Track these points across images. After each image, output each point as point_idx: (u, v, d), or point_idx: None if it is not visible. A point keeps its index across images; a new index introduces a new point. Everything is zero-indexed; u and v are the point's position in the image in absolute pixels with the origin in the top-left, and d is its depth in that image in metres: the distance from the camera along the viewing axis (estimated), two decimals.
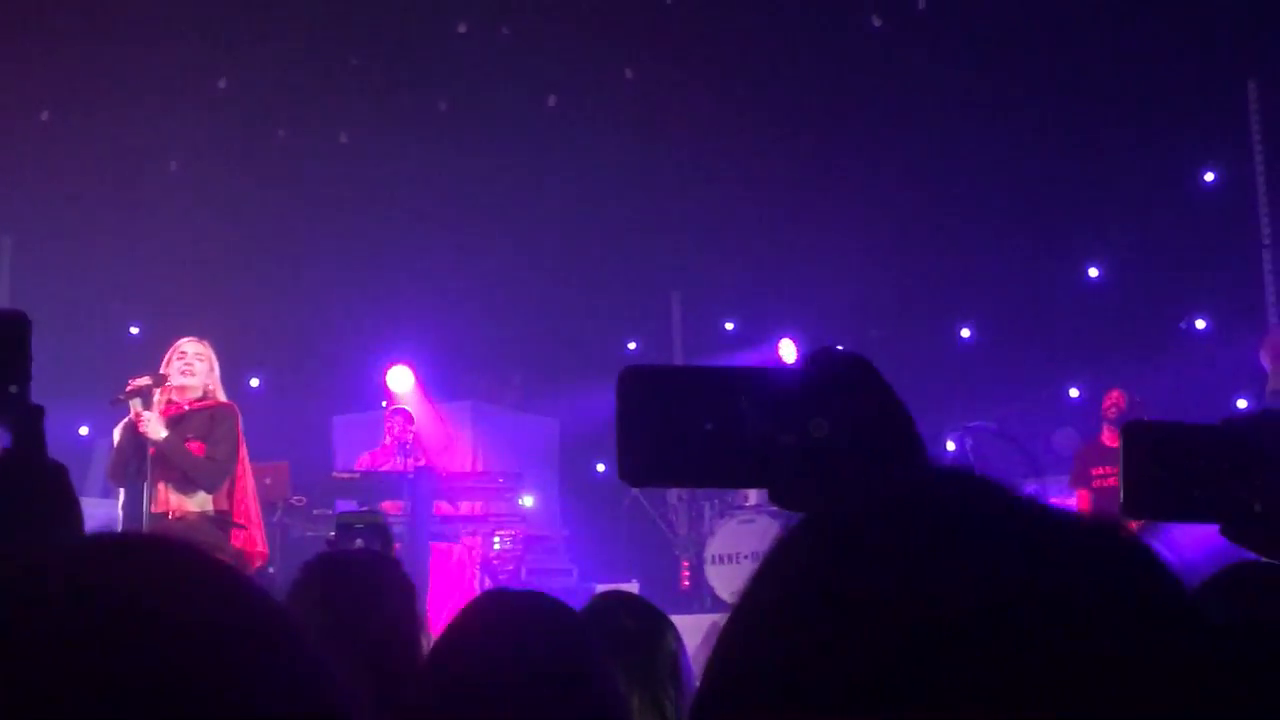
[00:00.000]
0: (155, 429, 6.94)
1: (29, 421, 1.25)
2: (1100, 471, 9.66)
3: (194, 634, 0.61)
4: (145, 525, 6.93)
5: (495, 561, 10.86)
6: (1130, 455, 1.31)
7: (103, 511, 9.23)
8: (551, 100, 12.52)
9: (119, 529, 6.97)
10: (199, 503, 6.99)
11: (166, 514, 6.98)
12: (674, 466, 1.09)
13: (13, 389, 1.22)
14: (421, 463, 10.48)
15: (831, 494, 1.04)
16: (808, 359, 1.10)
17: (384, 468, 10.47)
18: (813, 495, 1.08)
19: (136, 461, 7.05)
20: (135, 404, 7.00)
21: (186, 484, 6.99)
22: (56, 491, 1.30)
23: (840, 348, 1.11)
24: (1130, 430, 1.33)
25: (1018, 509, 0.72)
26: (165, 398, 7.15)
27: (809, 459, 1.07)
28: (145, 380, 7.18)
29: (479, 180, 12.87)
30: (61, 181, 12.23)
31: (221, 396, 7.29)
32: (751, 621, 0.72)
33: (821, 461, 1.06)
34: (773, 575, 0.74)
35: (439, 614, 9.44)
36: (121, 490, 7.20)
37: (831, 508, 0.75)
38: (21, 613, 0.60)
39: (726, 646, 0.73)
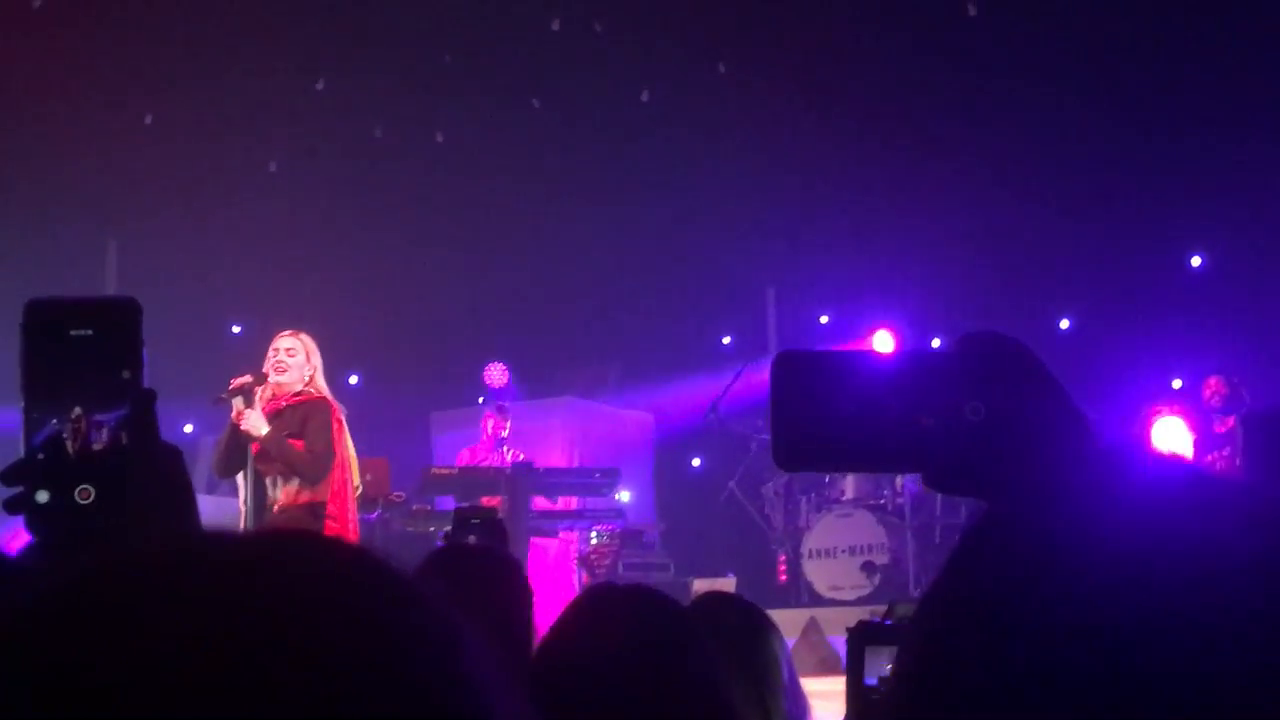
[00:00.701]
0: (256, 425, 7.02)
1: (143, 407, 1.27)
2: (1211, 459, 9.55)
3: (364, 638, 0.59)
4: (253, 519, 7.04)
5: (592, 556, 10.90)
6: (1250, 442, 1.29)
7: (207, 507, 9.37)
8: (645, 96, 12.52)
9: (232, 522, 7.10)
10: (304, 496, 7.06)
11: (270, 507, 7.07)
12: (827, 451, 1.10)
13: (126, 374, 1.24)
14: (519, 458, 10.53)
15: (989, 480, 1.04)
16: (962, 341, 1.09)
17: (482, 463, 10.53)
18: (969, 480, 1.07)
19: (240, 457, 7.15)
20: (237, 402, 7.08)
21: (287, 478, 7.07)
22: (172, 477, 1.31)
23: (997, 331, 1.10)
24: (1250, 420, 1.31)
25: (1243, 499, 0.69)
26: (268, 394, 7.23)
27: (965, 443, 1.06)
28: (246, 379, 7.26)
29: (573, 177, 12.90)
30: (164, 184, 12.44)
31: (323, 387, 7.31)
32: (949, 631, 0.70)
33: (978, 446, 1.06)
34: (965, 580, 0.72)
35: (538, 609, 9.47)
36: (239, 483, 7.30)
37: (1011, 500, 0.74)
38: (173, 613, 0.59)
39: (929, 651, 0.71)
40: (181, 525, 1.26)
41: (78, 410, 1.23)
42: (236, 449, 7.14)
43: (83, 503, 1.23)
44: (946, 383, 1.07)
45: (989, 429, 1.06)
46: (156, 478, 1.27)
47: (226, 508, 7.78)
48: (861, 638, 2.02)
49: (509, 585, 2.82)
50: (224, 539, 0.65)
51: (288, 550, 0.64)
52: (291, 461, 7.04)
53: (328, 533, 6.95)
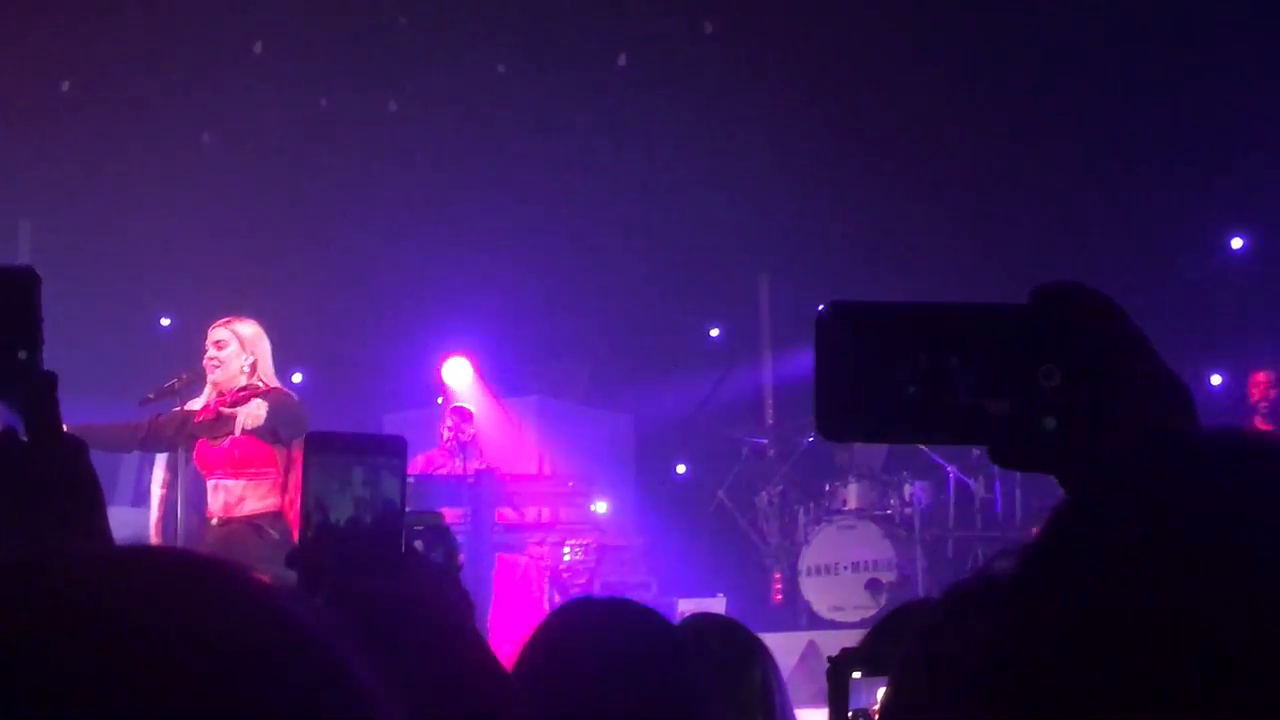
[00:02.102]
0: (256, 413, 6.93)
1: (41, 393, 1.24)
2: None
3: (197, 667, 0.62)
4: (189, 531, 7.01)
5: (565, 574, 10.89)
6: None
7: (138, 521, 9.34)
8: (621, 59, 12.51)
9: (152, 539, 7.07)
10: (247, 509, 7.03)
11: (212, 519, 7.03)
12: (879, 420, 1.08)
13: (22, 355, 1.23)
14: (483, 465, 10.52)
15: (1066, 456, 1.02)
16: (1037, 294, 1.07)
17: (441, 471, 10.52)
18: (1042, 456, 1.05)
19: (177, 441, 7.11)
20: (204, 404, 7.02)
21: (239, 488, 7.02)
22: (74, 476, 1.29)
23: (1076, 282, 1.07)
24: None
25: None
26: (213, 395, 7.20)
27: (1037, 412, 1.05)
28: (181, 378, 7.25)
29: (542, 152, 12.88)
30: (83, 159, 12.39)
31: (271, 378, 7.29)
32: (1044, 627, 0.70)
33: (1053, 415, 1.04)
34: (1058, 570, 0.72)
35: (503, 633, 9.47)
36: (159, 493, 7.26)
37: (1093, 486, 0.73)
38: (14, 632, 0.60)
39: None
40: (85, 531, 1.25)
41: None
42: (183, 433, 7.09)
43: None
44: (1018, 342, 1.05)
45: (1066, 396, 1.04)
46: (56, 476, 1.25)
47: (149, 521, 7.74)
48: (845, 666, 1.98)
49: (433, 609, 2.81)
50: (73, 560, 0.66)
51: (142, 570, 0.66)
52: (289, 415, 6.95)
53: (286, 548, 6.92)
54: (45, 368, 1.25)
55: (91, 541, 1.29)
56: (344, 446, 1.64)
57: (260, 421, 6.88)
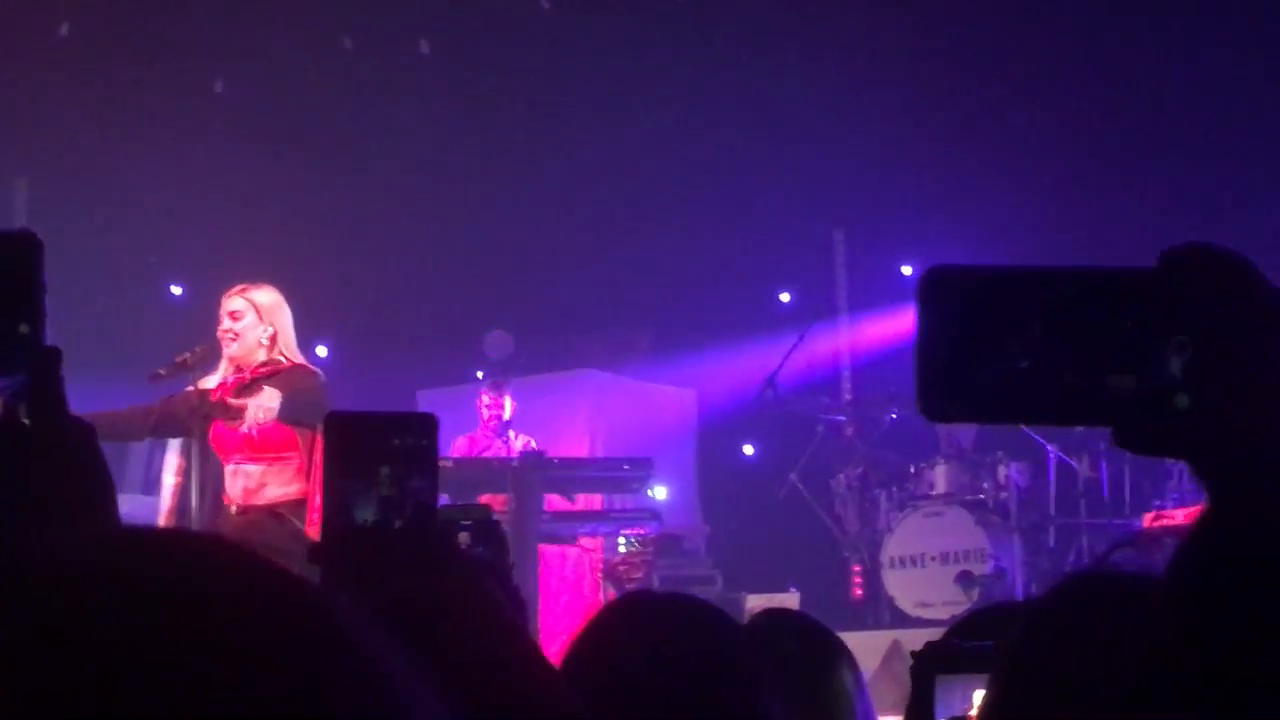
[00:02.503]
0: (269, 402, 6.98)
1: (44, 370, 1.26)
2: None
3: (211, 660, 0.63)
4: (205, 519, 7.06)
5: (620, 567, 10.91)
6: None
7: (150, 510, 9.43)
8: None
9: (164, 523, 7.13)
10: (268, 496, 7.07)
11: (230, 507, 7.08)
12: (990, 399, 1.07)
13: (23, 329, 1.23)
14: (530, 445, 10.55)
15: (1200, 440, 1.00)
16: (1166, 257, 1.06)
17: (483, 453, 10.56)
18: (1171, 438, 1.04)
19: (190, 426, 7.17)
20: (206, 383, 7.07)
21: (259, 474, 7.07)
22: (82, 460, 1.30)
23: (1209, 244, 1.05)
24: None
25: None
26: (230, 370, 7.25)
27: (1168, 389, 1.04)
28: (194, 352, 7.28)
29: (593, 97, 12.87)
30: (85, 110, 12.46)
31: (293, 351, 7.32)
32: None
33: (1186, 393, 1.03)
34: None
35: (552, 632, 9.52)
36: (169, 474, 7.32)
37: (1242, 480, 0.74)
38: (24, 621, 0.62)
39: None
40: (93, 519, 1.26)
41: None
42: (197, 415, 7.14)
43: None
44: (1145, 312, 1.04)
45: (1200, 371, 1.03)
46: (62, 459, 1.27)
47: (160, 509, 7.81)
48: (931, 664, 1.94)
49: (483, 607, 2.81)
50: (79, 545, 0.67)
51: (153, 552, 0.67)
52: (304, 404, 6.98)
53: (308, 527, 6.98)
54: (48, 342, 1.26)
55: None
56: (368, 429, 1.64)
57: (274, 415, 6.92)
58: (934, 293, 1.08)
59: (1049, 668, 1.35)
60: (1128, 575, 0.93)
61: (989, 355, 1.06)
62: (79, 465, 1.28)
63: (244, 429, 6.98)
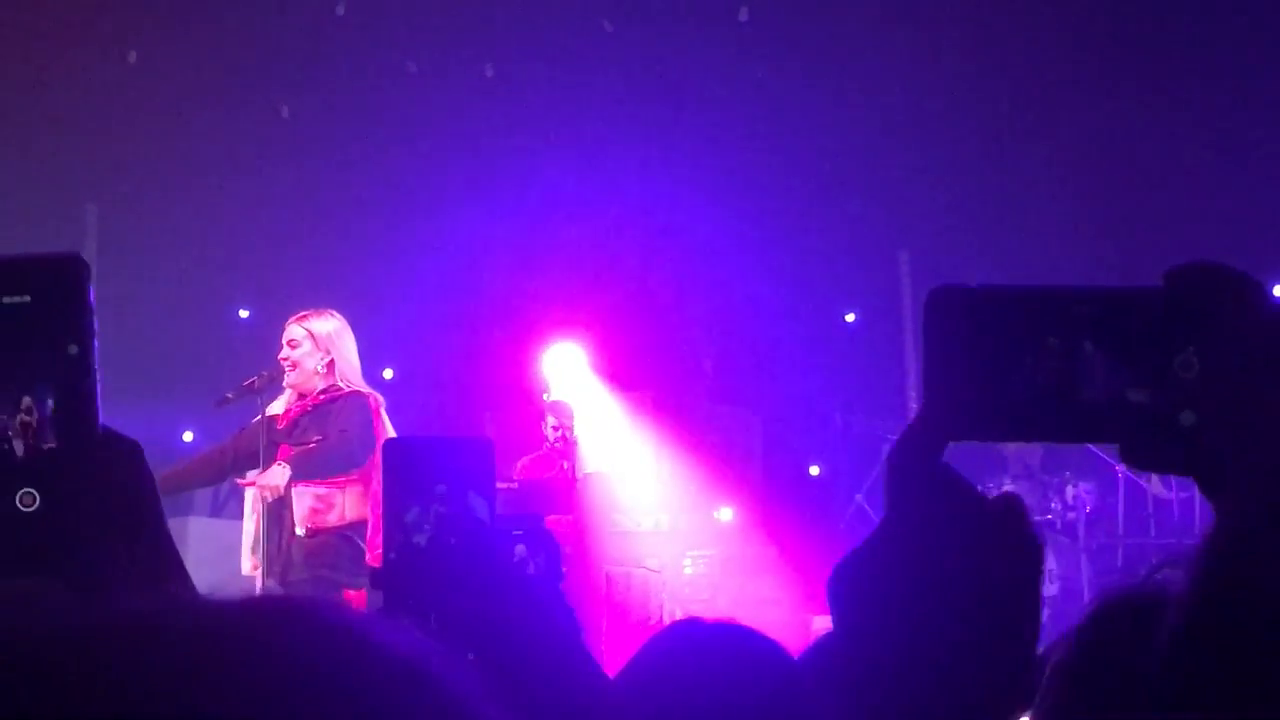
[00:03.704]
0: (277, 479, 7.06)
1: (89, 393, 1.26)
2: None
3: None
4: (274, 544, 7.10)
5: (686, 590, 10.90)
6: None
7: (210, 531, 9.48)
8: (743, 15, 12.48)
9: (252, 548, 7.18)
10: (335, 517, 7.11)
11: (299, 530, 7.12)
12: (999, 418, 1.08)
13: (72, 349, 1.25)
14: (594, 468, 10.55)
15: (1206, 457, 1.01)
16: (1171, 276, 1.06)
17: (548, 475, 10.56)
18: (1179, 455, 1.05)
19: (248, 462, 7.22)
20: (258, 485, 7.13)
21: (325, 496, 7.11)
22: (129, 482, 1.31)
23: (1215, 262, 1.06)
24: None
25: None
26: (293, 396, 7.30)
27: (1174, 406, 1.04)
28: (262, 376, 7.33)
29: (657, 119, 12.88)
30: (153, 136, 12.55)
31: (354, 378, 7.36)
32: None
33: (1192, 410, 1.03)
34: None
35: (619, 653, 9.50)
36: (248, 500, 7.37)
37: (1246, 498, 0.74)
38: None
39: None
40: (141, 542, 1.26)
41: (27, 399, 1.24)
42: (268, 441, 7.20)
43: (25, 510, 1.24)
44: (1151, 329, 1.05)
45: (1205, 388, 1.03)
46: (111, 481, 1.27)
47: (232, 533, 7.85)
48: None
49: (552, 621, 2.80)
50: (189, 613, 0.67)
51: (261, 637, 0.66)
52: (321, 461, 7.06)
53: (370, 563, 7.02)
54: (101, 363, 1.28)
55: (157, 552, 1.31)
56: (423, 454, 1.67)
57: (279, 492, 6.99)
58: (943, 313, 1.09)
59: (1085, 688, 1.35)
60: (1168, 594, 0.94)
61: (1004, 373, 1.06)
62: (124, 487, 1.28)
63: (247, 511, 7.10)
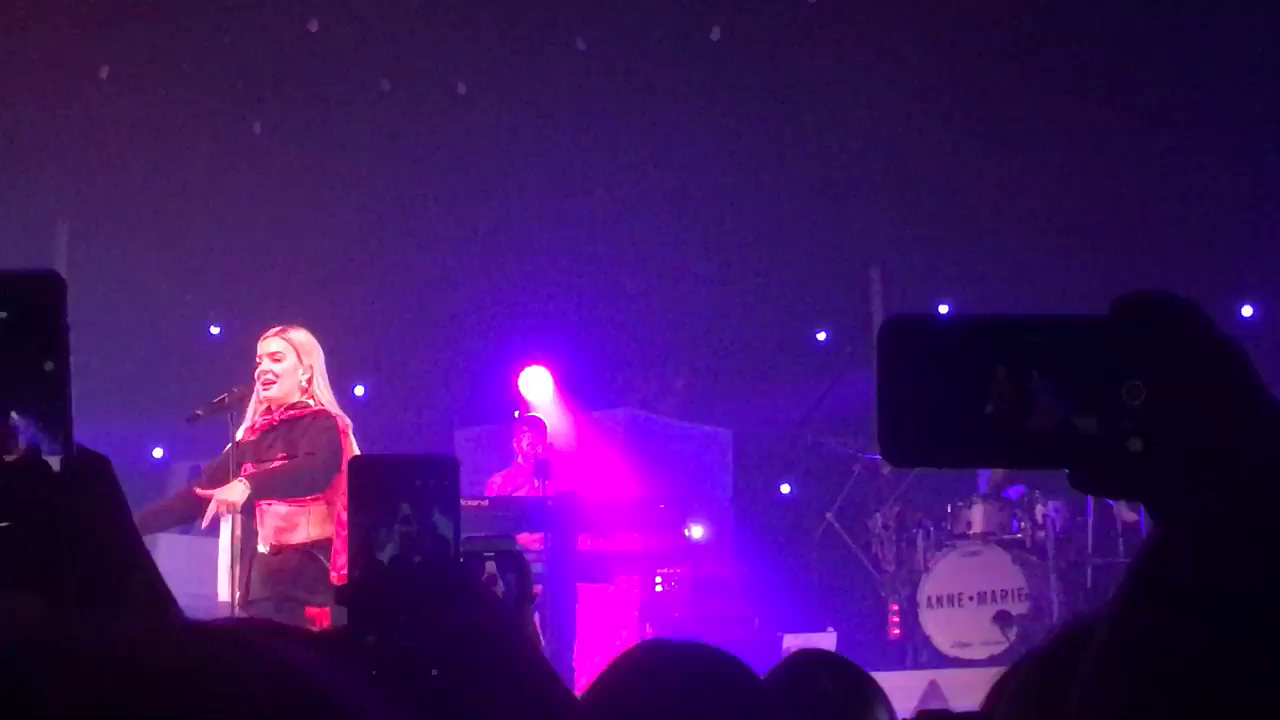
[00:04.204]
0: (235, 495, 7.05)
1: (64, 409, 1.28)
2: None
3: None
4: (245, 560, 7.08)
5: (657, 608, 10.90)
6: None
7: (181, 548, 9.45)
8: (715, 34, 12.51)
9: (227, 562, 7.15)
10: (300, 535, 7.10)
11: (263, 547, 7.10)
12: (950, 443, 1.10)
13: (48, 366, 1.26)
14: (565, 486, 10.54)
15: (1153, 482, 1.02)
16: (1117, 305, 1.08)
17: (518, 492, 10.55)
18: (1127, 480, 1.06)
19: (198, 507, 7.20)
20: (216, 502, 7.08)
21: (289, 514, 7.09)
22: (99, 497, 1.31)
23: (1159, 290, 1.08)
24: None
25: None
26: (261, 409, 7.28)
27: (1121, 433, 1.05)
28: (232, 393, 7.32)
29: (627, 137, 12.91)
30: (125, 153, 12.54)
31: (325, 396, 7.35)
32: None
33: (1139, 436, 1.05)
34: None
35: (588, 671, 9.49)
36: (232, 527, 7.35)
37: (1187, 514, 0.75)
38: None
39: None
40: (111, 558, 1.27)
41: (14, 416, 1.25)
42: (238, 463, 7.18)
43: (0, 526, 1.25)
44: (1098, 357, 1.07)
45: (1152, 415, 1.05)
46: (82, 498, 1.28)
47: (202, 548, 7.83)
48: None
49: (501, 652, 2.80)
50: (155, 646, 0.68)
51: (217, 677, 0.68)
52: (284, 482, 7.07)
53: (334, 582, 7.01)
54: (76, 383, 1.29)
55: (132, 566, 1.31)
56: (389, 470, 1.68)
57: (236, 509, 6.99)
58: (895, 342, 1.11)
59: (1042, 709, 1.36)
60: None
61: (953, 402, 1.08)
62: (92, 501, 1.29)
63: (204, 525, 7.07)
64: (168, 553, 9.42)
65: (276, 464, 7.13)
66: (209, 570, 7.36)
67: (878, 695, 2.89)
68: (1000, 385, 1.07)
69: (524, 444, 10.80)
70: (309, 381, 7.28)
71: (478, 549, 1.93)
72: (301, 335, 7.36)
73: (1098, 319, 1.08)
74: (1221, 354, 1.04)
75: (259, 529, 7.10)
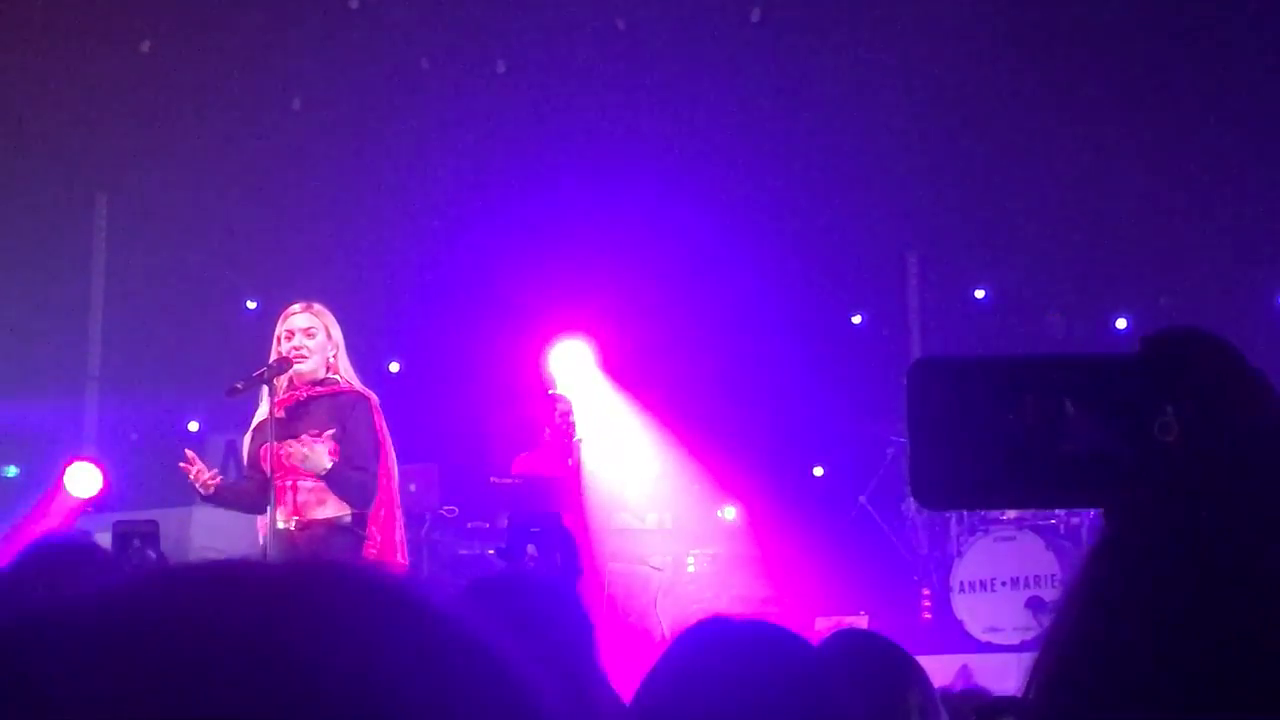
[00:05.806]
0: (319, 461, 7.00)
1: None
2: None
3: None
4: (268, 537, 7.06)
5: (689, 588, 10.89)
6: None
7: (210, 521, 9.48)
8: (755, 15, 12.48)
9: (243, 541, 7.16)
10: (330, 509, 7.07)
11: (289, 522, 7.06)
12: (984, 485, 1.09)
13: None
14: (597, 466, 10.54)
15: (1192, 517, 1.01)
16: (1147, 342, 1.07)
17: (549, 470, 10.54)
18: (1164, 518, 1.05)
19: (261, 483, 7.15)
20: (294, 451, 7.03)
21: (317, 489, 7.06)
22: None
23: (1189, 327, 1.07)
24: None
25: None
26: (284, 384, 7.23)
27: (1156, 470, 1.03)
28: (271, 365, 7.29)
29: (666, 116, 12.88)
30: (164, 126, 12.56)
31: (349, 373, 7.32)
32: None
33: (1173, 473, 1.03)
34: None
35: (618, 650, 9.50)
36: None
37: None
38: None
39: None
40: None
41: None
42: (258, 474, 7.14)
43: None
44: (1131, 395, 1.05)
45: (1184, 450, 1.04)
46: None
47: (231, 523, 7.83)
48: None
49: (565, 622, 2.80)
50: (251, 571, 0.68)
51: (318, 588, 0.67)
52: (353, 486, 7.03)
53: (366, 555, 6.99)
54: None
55: None
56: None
57: (321, 470, 6.95)
58: (925, 384, 1.10)
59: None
60: None
61: (984, 439, 1.07)
62: None
63: (298, 463, 7.00)
64: (203, 526, 9.46)
65: (333, 455, 7.04)
66: (242, 544, 7.36)
67: (918, 675, 2.89)
68: (1030, 413, 1.06)
69: (559, 413, 10.77)
70: (335, 357, 7.25)
71: (524, 523, 1.92)
72: (325, 312, 7.33)
73: (1128, 355, 1.07)
74: (1252, 389, 1.03)
75: (280, 506, 7.03)
